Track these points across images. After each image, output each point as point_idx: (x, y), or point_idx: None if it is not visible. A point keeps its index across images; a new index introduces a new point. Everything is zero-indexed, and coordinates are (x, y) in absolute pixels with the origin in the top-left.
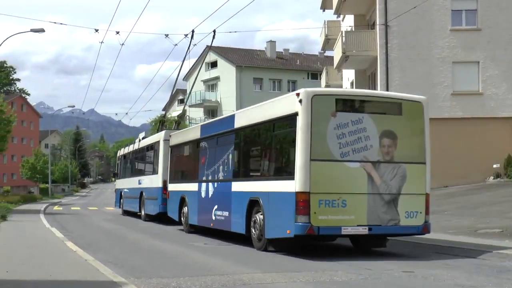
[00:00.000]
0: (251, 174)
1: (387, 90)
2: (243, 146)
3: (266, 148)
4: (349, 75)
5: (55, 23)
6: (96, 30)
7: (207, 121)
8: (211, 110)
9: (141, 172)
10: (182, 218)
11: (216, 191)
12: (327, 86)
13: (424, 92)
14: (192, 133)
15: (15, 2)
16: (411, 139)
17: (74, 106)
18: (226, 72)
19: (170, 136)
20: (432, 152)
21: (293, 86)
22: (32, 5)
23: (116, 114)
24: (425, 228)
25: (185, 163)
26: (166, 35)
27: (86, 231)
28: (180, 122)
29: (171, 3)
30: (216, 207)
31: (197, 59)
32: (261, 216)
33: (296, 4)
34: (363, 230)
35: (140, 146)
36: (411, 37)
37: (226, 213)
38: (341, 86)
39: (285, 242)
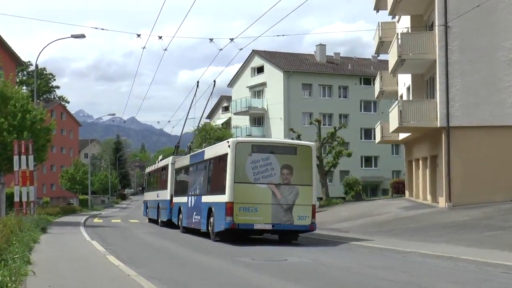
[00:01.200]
0: (209, 190)
1: (447, 95)
2: (207, 172)
3: (215, 173)
4: (405, 79)
5: (96, 28)
6: (138, 35)
7: (194, 152)
8: (257, 118)
9: (158, 187)
10: (179, 222)
11: (195, 202)
12: (381, 92)
13: (488, 98)
14: (186, 160)
15: (55, 7)
16: (303, 170)
17: (114, 114)
18: (273, 77)
19: (175, 160)
20: (494, 164)
21: (344, 92)
22: (72, 11)
23: (158, 122)
24: (311, 227)
25: (181, 182)
26: (211, 40)
27: (127, 244)
28: (191, 149)
29: (215, 6)
30: (194, 213)
31: (242, 64)
32: (212, 218)
33: (348, 4)
34: (268, 226)
35: (158, 166)
36: (473, 38)
37: (198, 217)
38: (396, 93)
39: (223, 234)
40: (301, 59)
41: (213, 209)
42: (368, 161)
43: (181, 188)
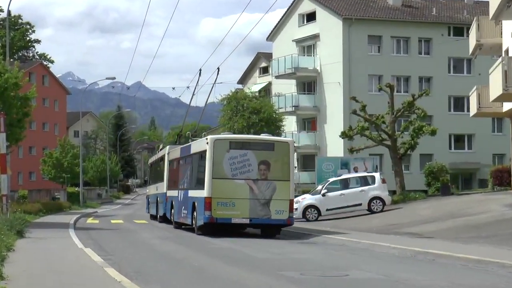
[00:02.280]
0: (194, 185)
1: None
2: (191, 167)
3: (198, 169)
4: (511, 27)
5: None
6: None
7: (185, 145)
8: (307, 83)
9: (157, 180)
10: (171, 218)
11: (183, 197)
12: (478, 46)
13: None
14: (177, 152)
15: None
16: (280, 165)
17: (114, 79)
18: (329, 27)
19: (170, 151)
20: None
21: (426, 46)
22: None
23: (173, 89)
24: (288, 221)
25: (174, 174)
26: None
27: (132, 253)
28: (180, 137)
29: None
30: (183, 207)
31: (287, 9)
32: (195, 213)
33: None
34: (246, 221)
35: (157, 157)
36: None
37: (185, 212)
38: (500, 46)
39: (203, 228)
40: (367, 2)
41: (195, 203)
42: (459, 141)
43: (173, 182)
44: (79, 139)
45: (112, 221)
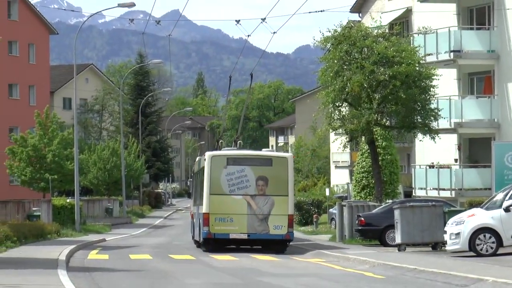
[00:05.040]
0: (198, 201)
1: None
2: (198, 182)
3: (200, 185)
4: None
5: None
6: None
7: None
8: (478, 9)
9: (195, 194)
10: (194, 237)
11: (197, 213)
12: None
13: None
14: (196, 165)
15: None
16: (278, 181)
17: (133, 5)
18: None
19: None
20: None
21: None
22: None
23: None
24: (287, 236)
25: (195, 189)
26: None
27: None
28: (220, 143)
29: None
30: (198, 223)
31: None
32: (198, 229)
33: None
34: (244, 236)
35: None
36: None
37: (197, 228)
38: None
39: (204, 244)
40: None
41: (199, 219)
42: None
43: (195, 197)
44: (72, 113)
45: (133, 257)
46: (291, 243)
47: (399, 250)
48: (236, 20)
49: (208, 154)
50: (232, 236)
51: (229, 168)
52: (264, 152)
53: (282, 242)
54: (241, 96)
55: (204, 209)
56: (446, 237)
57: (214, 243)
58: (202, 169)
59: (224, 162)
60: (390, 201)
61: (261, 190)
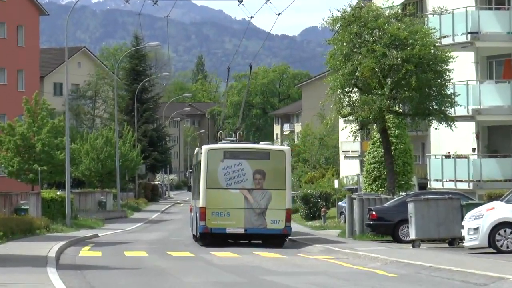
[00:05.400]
0: (196, 195)
1: None
2: (196, 176)
3: (197, 178)
4: None
5: None
6: None
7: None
8: None
9: (193, 187)
10: (193, 232)
11: (195, 207)
12: None
13: None
14: (194, 157)
15: None
16: (276, 174)
17: None
18: None
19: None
20: None
21: None
22: None
23: (240, 2)
24: (284, 230)
25: (194, 182)
26: None
27: None
28: (220, 134)
29: None
30: (195, 218)
31: None
32: (196, 223)
33: None
34: (241, 230)
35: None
36: None
37: (195, 223)
38: None
39: (201, 239)
40: None
41: (197, 214)
42: None
43: (194, 190)
44: (63, 99)
45: (127, 253)
46: (297, 239)
47: (413, 246)
48: (238, 0)
49: (204, 147)
50: (229, 230)
51: (226, 161)
52: (261, 145)
53: (280, 237)
54: (244, 80)
55: (200, 203)
56: (464, 232)
57: (211, 238)
58: (199, 163)
59: (221, 155)
60: (404, 193)
61: (258, 184)
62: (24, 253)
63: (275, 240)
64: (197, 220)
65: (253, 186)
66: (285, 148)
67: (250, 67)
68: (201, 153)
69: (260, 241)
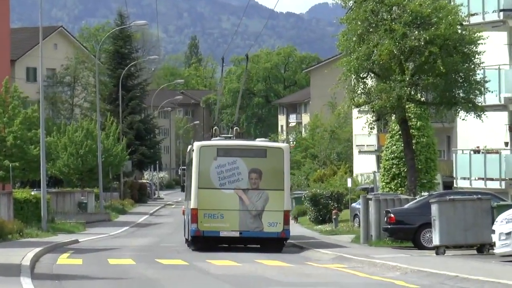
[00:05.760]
0: (187, 196)
1: None
2: (188, 175)
3: (190, 178)
4: None
5: None
6: None
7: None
8: None
9: (186, 187)
10: (185, 235)
11: (187, 208)
12: None
13: None
14: (188, 155)
15: None
16: (273, 173)
17: None
18: None
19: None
20: None
21: None
22: None
23: None
24: (282, 234)
25: (186, 182)
26: None
27: None
28: (214, 129)
29: None
30: (187, 220)
31: None
32: (187, 226)
33: None
34: (235, 234)
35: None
36: None
37: (187, 225)
38: None
39: (193, 243)
40: None
41: (188, 216)
42: None
43: (186, 190)
44: (37, 86)
45: (112, 261)
46: (305, 245)
47: (437, 253)
48: None
49: (196, 144)
50: (222, 233)
51: (219, 159)
52: (257, 142)
53: (278, 241)
54: (244, 65)
55: (192, 204)
56: (495, 237)
57: (203, 242)
58: (191, 161)
59: (214, 153)
60: (426, 193)
61: (254, 184)
62: None
63: (273, 244)
64: (188, 223)
65: (248, 186)
66: (283, 145)
67: (247, 57)
68: (193, 150)
69: (258, 245)
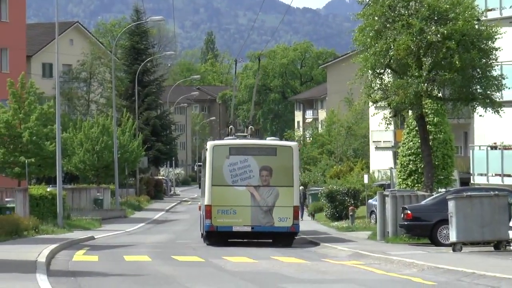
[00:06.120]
0: (202, 193)
1: None
2: (203, 173)
3: (204, 175)
4: None
5: None
6: None
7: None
8: None
9: (202, 184)
10: (201, 231)
11: (202, 205)
12: None
13: None
14: (203, 152)
15: None
16: (283, 171)
17: None
18: None
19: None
20: None
21: None
22: None
23: None
24: (292, 228)
25: (202, 179)
26: None
27: None
28: (230, 128)
29: None
30: (202, 216)
31: None
32: (202, 222)
33: None
34: (247, 228)
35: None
36: None
37: (201, 220)
38: None
39: (208, 237)
40: None
41: (203, 212)
42: None
43: (202, 187)
44: (53, 82)
45: (128, 258)
46: (321, 241)
47: (454, 250)
48: None
49: (210, 143)
50: (235, 228)
51: (231, 158)
52: (268, 141)
53: (288, 235)
54: (261, 60)
55: (206, 201)
56: None
57: (217, 236)
58: (205, 159)
59: (226, 151)
60: (443, 190)
61: (265, 181)
62: (10, 258)
63: (283, 238)
64: (203, 218)
65: (259, 183)
66: (293, 143)
67: (259, 60)
68: (206, 149)
69: (271, 240)
